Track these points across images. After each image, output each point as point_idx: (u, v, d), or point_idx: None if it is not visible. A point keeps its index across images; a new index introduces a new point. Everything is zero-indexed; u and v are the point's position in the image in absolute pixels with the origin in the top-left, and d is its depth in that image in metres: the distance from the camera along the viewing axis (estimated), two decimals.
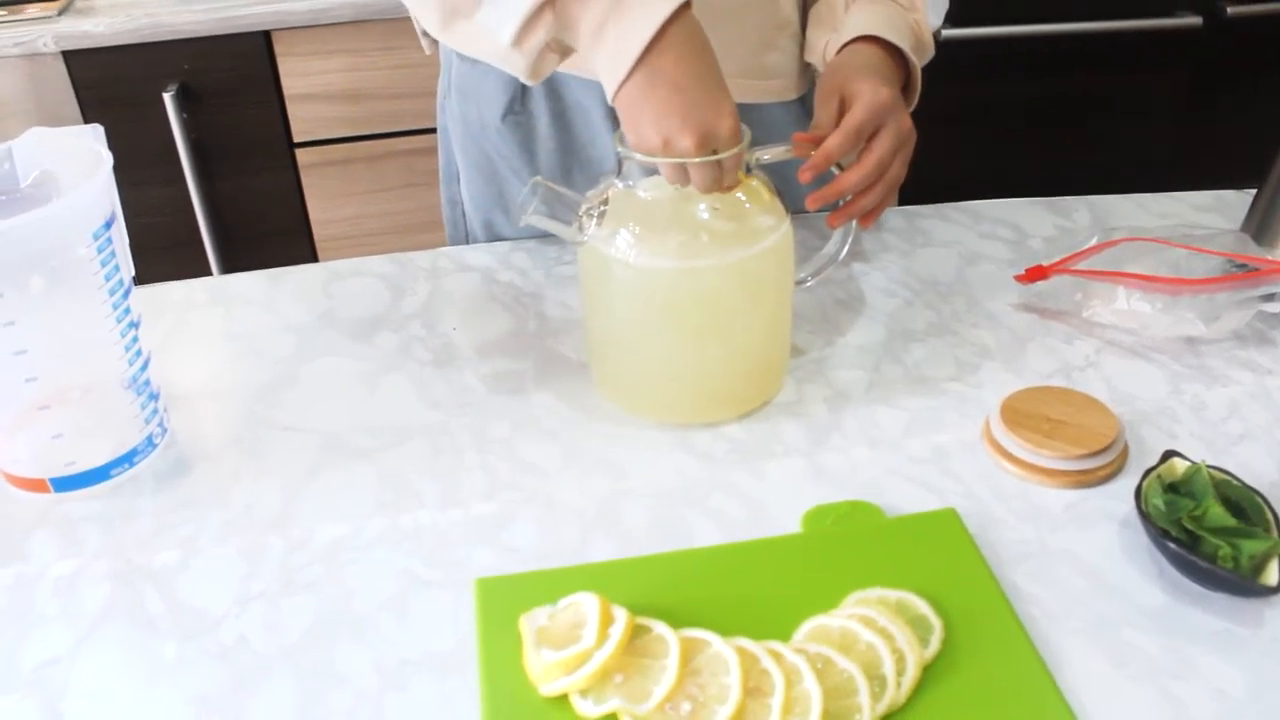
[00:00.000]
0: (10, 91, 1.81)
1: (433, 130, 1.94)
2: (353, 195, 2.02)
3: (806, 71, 1.13)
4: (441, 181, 1.24)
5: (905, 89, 0.99)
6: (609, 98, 0.78)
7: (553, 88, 1.08)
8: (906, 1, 1.02)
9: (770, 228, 0.82)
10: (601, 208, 0.81)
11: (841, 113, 0.90)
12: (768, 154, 0.87)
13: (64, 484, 0.82)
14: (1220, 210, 1.19)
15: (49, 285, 0.76)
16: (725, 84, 0.79)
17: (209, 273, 2.00)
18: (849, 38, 0.98)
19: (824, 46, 1.03)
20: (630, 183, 0.82)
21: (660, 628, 0.65)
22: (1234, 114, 2.12)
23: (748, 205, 0.82)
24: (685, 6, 0.76)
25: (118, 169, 0.81)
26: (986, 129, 2.05)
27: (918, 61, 0.99)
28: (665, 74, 0.76)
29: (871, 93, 0.89)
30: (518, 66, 0.83)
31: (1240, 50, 2.08)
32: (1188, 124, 2.16)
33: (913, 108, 0.98)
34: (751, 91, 1.08)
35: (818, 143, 0.88)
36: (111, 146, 0.81)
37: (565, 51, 0.83)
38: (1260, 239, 1.01)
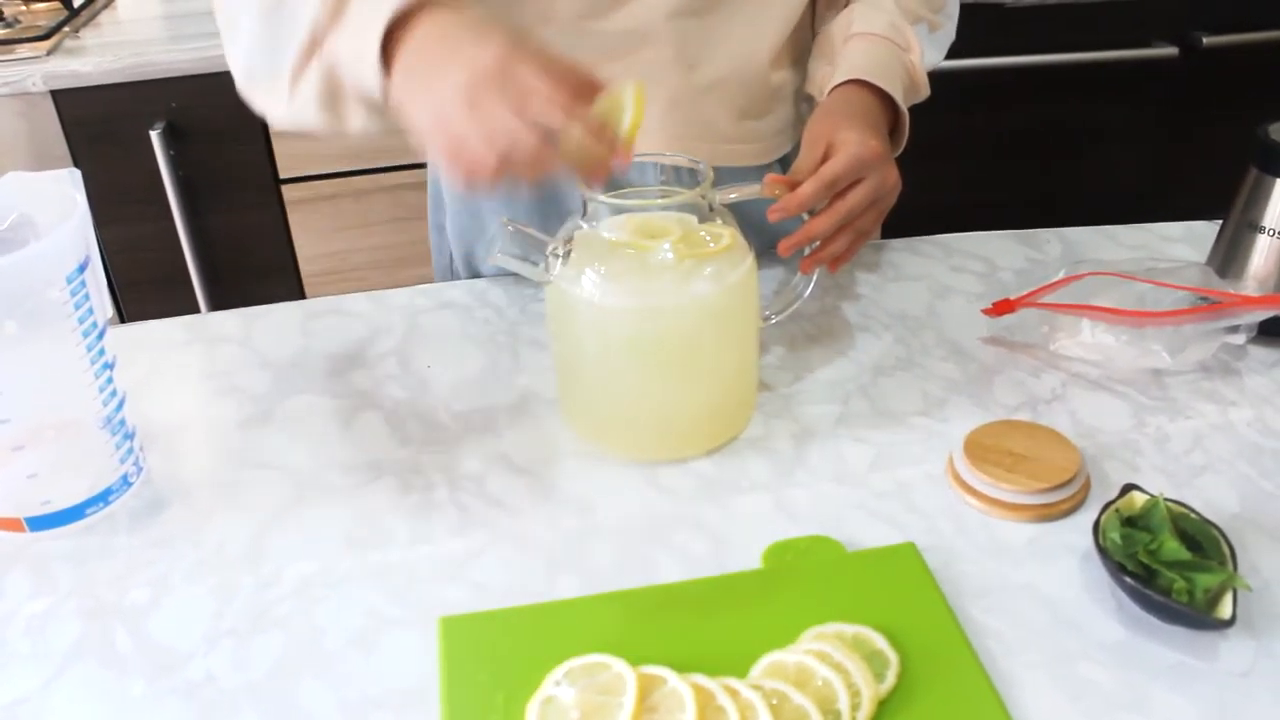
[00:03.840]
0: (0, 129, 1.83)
1: (418, 165, 1.97)
2: (339, 230, 2.03)
3: (796, 128, 1.14)
4: (429, 208, 1.26)
5: (894, 131, 1.00)
6: (379, 94, 0.75)
7: None
8: (903, 41, 1.02)
9: (733, 266, 0.83)
10: (567, 248, 0.82)
11: (825, 159, 0.90)
12: (735, 193, 0.88)
13: (39, 523, 0.83)
14: (1190, 241, 1.21)
15: (23, 328, 0.77)
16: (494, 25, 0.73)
17: (197, 308, 2.01)
18: (842, 79, 0.99)
19: (821, 80, 1.04)
20: (595, 224, 0.84)
21: (619, 665, 0.66)
22: (1210, 144, 2.13)
23: (711, 244, 0.84)
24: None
25: (106, 205, 0.82)
26: (961, 161, 2.06)
27: (906, 106, 0.99)
28: (416, 60, 0.73)
29: (857, 145, 0.89)
30: (312, 123, 0.82)
31: (1216, 80, 2.10)
32: (1163, 154, 2.18)
33: (899, 152, 0.99)
34: (739, 155, 1.09)
35: (791, 186, 0.89)
36: (100, 183, 0.82)
37: (374, 105, 0.79)
38: (1224, 272, 1.02)
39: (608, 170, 0.73)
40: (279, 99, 0.82)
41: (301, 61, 0.79)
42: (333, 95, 0.80)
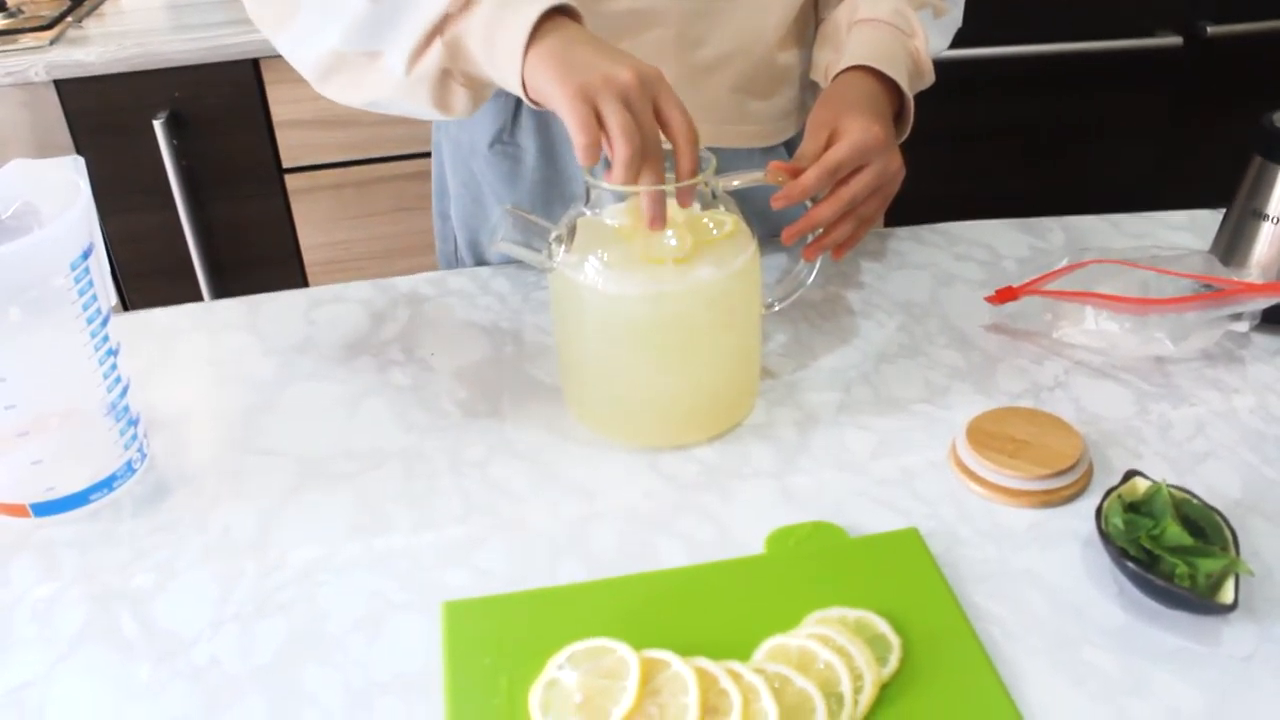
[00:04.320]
0: (3, 120, 1.83)
1: (421, 155, 1.98)
2: (342, 220, 2.04)
3: (802, 113, 1.14)
4: (434, 195, 1.26)
5: (899, 117, 1.00)
6: (519, 89, 0.80)
7: (543, 122, 1.09)
8: (907, 27, 1.02)
9: (736, 253, 0.83)
10: (570, 234, 0.82)
11: (829, 146, 0.90)
12: (738, 179, 0.88)
13: (44, 509, 0.83)
14: (1194, 230, 1.21)
15: (26, 314, 0.78)
16: None
17: (200, 298, 2.01)
18: (846, 65, 0.98)
19: (826, 67, 1.04)
20: (598, 210, 0.84)
21: (622, 649, 0.66)
22: (1214, 133, 2.13)
23: (714, 230, 0.84)
24: (561, 10, 0.80)
25: (109, 195, 0.82)
26: (965, 150, 2.06)
27: (911, 92, 0.99)
28: (571, 36, 0.79)
29: (861, 131, 0.89)
30: (421, 97, 0.86)
31: (1220, 70, 2.10)
32: (1168, 144, 2.18)
33: (904, 138, 0.99)
34: (742, 137, 1.09)
35: (794, 173, 0.89)
36: (103, 173, 0.83)
37: (475, 84, 0.87)
38: (1227, 260, 1.02)
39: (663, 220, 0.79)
40: (386, 76, 0.86)
41: (425, 41, 0.83)
42: (446, 75, 0.85)
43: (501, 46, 0.80)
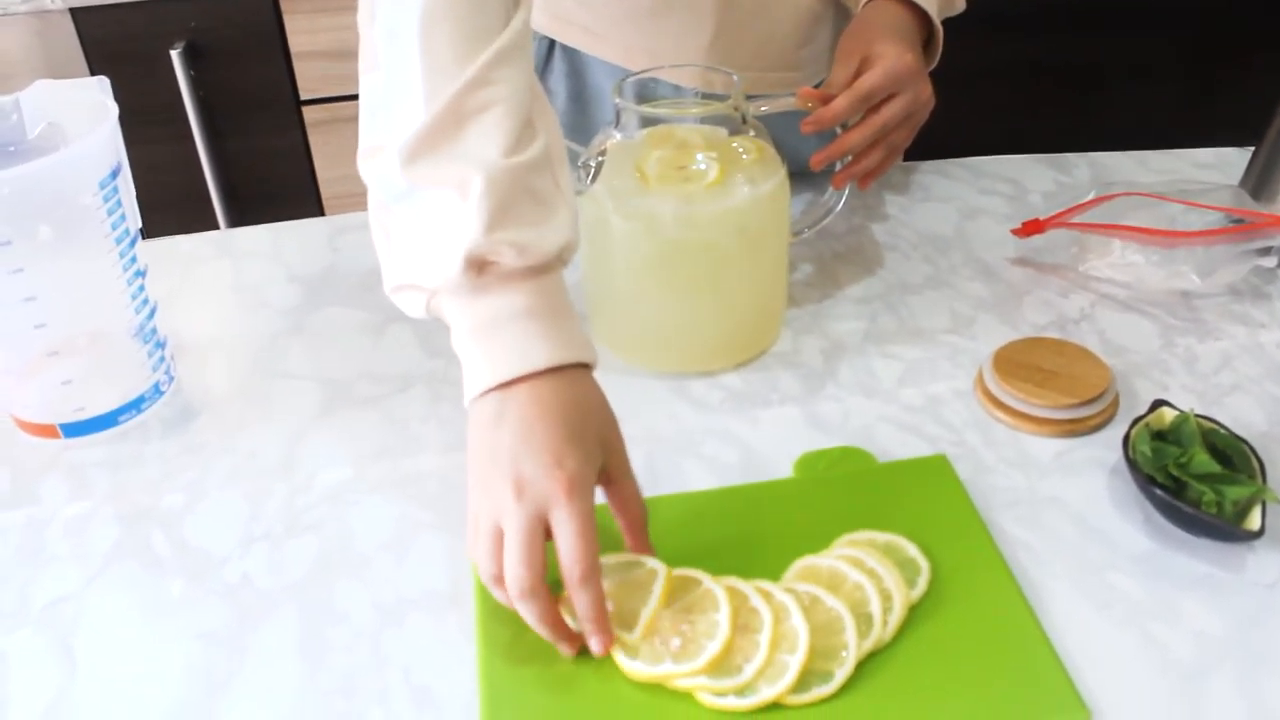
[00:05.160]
0: (18, 48, 1.81)
1: None
2: None
3: (832, 54, 1.13)
4: None
5: (928, 45, 0.99)
6: (469, 399, 0.68)
7: (575, 68, 1.08)
8: None
9: (766, 177, 0.83)
10: (599, 159, 0.82)
11: (860, 73, 0.90)
12: (768, 104, 0.88)
13: (73, 429, 0.83)
14: (1221, 168, 1.19)
15: (56, 233, 0.78)
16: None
17: (217, 229, 2.00)
18: None
19: None
20: (628, 134, 0.83)
21: (651, 561, 0.66)
22: (1240, 74, 2.11)
23: (744, 156, 0.83)
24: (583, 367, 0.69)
25: (125, 126, 0.82)
26: (992, 89, 2.04)
27: (940, 19, 0.98)
28: (521, 411, 0.65)
29: (894, 59, 0.89)
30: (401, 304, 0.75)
31: (1247, 9, 2.07)
32: (1194, 84, 2.16)
33: (932, 67, 0.98)
34: (780, 84, 1.08)
35: (825, 99, 0.89)
36: (119, 103, 0.82)
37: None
38: (1258, 194, 1.01)
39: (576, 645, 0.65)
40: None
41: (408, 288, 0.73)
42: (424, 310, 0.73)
43: (466, 366, 0.68)
